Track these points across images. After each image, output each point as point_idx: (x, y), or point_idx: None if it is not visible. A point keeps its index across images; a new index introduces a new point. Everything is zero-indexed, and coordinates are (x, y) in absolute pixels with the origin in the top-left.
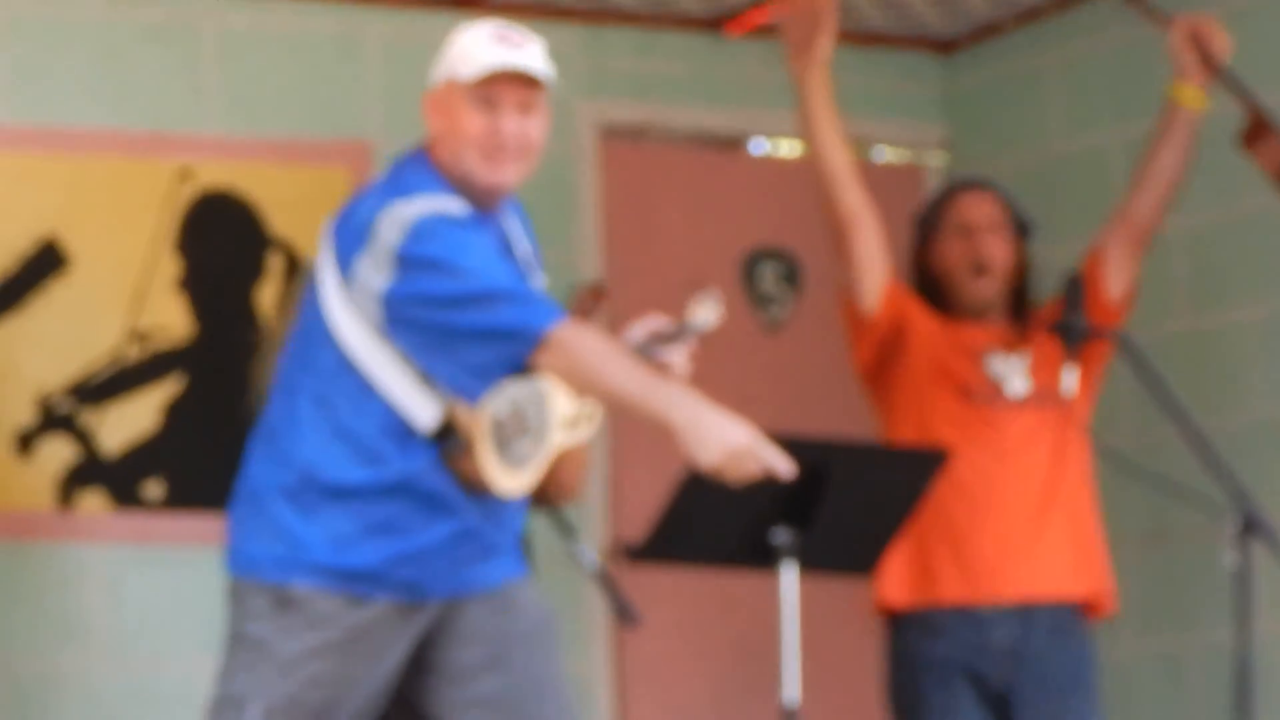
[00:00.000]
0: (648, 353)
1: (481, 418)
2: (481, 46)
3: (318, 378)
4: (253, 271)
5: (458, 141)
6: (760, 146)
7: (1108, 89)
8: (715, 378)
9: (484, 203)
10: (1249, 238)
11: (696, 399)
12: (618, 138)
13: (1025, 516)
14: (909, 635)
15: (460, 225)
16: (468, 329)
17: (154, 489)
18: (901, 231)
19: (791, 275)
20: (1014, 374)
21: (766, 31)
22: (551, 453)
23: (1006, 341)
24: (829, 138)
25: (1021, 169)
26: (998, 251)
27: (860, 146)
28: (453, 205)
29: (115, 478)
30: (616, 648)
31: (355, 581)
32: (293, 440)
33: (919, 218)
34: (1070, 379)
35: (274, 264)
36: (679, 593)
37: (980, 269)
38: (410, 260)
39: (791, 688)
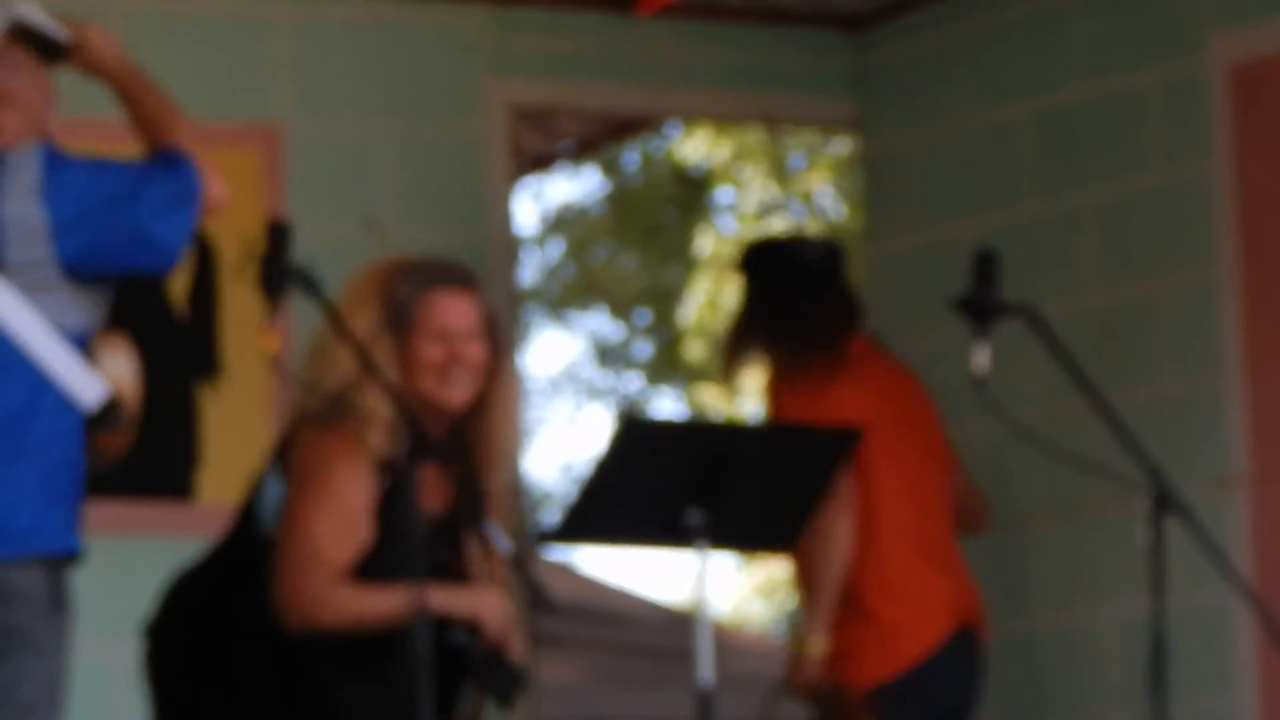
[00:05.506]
0: None
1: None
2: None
3: None
4: None
5: None
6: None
7: (1015, 64)
8: None
9: None
10: (1158, 210)
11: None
12: (527, 118)
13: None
14: None
15: None
16: None
17: None
18: None
19: None
20: None
21: (678, 10)
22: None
23: None
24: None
25: (931, 145)
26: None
27: (770, 124)
28: None
29: None
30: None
31: None
32: None
33: None
34: (982, 355)
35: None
36: None
37: None
38: None
39: (706, 669)
